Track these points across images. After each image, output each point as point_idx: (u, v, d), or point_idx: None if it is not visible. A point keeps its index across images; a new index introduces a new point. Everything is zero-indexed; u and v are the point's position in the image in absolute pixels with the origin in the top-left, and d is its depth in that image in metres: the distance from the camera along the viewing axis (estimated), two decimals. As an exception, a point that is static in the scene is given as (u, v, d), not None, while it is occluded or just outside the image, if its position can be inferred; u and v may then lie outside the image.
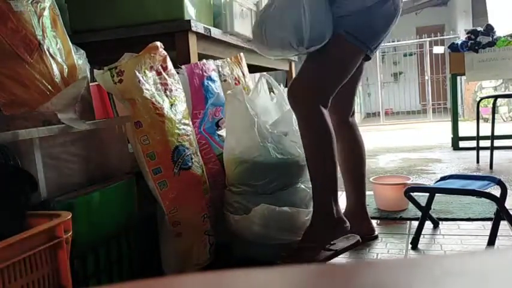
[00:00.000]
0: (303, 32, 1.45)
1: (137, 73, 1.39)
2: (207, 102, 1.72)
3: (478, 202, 2.09)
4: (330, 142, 1.51)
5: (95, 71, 1.43)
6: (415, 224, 1.92)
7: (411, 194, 1.75)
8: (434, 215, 1.99)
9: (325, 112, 1.51)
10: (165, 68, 1.51)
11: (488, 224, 1.83)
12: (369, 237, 1.75)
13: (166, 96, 1.47)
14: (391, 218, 2.01)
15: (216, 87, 1.78)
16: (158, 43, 1.50)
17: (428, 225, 1.90)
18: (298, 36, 1.46)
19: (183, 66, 1.68)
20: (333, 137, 1.51)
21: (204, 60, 1.76)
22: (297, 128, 1.77)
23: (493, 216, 1.90)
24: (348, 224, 1.55)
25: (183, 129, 1.49)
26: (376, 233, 1.79)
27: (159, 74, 1.48)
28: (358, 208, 1.78)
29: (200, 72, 1.71)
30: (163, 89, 1.47)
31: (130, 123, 1.39)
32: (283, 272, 0.22)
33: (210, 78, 1.75)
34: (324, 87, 1.53)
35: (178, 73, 1.58)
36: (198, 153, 1.57)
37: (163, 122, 1.41)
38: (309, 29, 1.45)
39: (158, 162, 1.40)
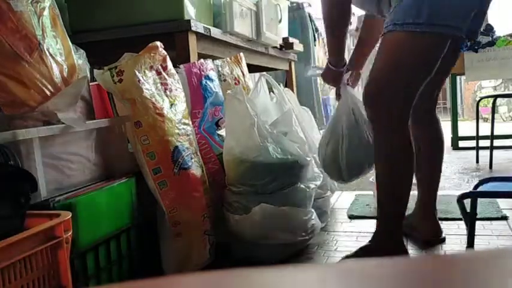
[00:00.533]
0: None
1: (137, 73, 1.39)
2: (206, 101, 1.72)
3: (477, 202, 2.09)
4: (411, 163, 1.39)
5: (95, 70, 1.43)
6: (415, 223, 1.92)
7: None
8: (434, 215, 1.99)
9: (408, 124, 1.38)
10: (165, 68, 1.51)
11: (488, 224, 1.83)
12: (433, 240, 1.65)
13: (166, 96, 1.47)
14: (391, 218, 2.01)
15: (215, 86, 1.77)
16: (158, 43, 1.50)
17: (428, 225, 1.90)
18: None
19: (181, 66, 1.68)
20: (414, 157, 1.39)
21: (202, 60, 1.76)
22: (297, 128, 1.77)
23: (492, 216, 1.90)
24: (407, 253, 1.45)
25: (183, 129, 1.49)
26: (444, 235, 1.67)
27: (159, 73, 1.48)
28: (425, 207, 1.66)
29: (198, 71, 1.71)
30: (163, 88, 1.47)
31: (130, 123, 1.39)
32: (283, 272, 0.22)
33: (208, 78, 1.75)
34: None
35: (177, 72, 1.58)
36: (198, 153, 1.57)
37: (163, 122, 1.41)
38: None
39: (158, 162, 1.40)
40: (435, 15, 1.29)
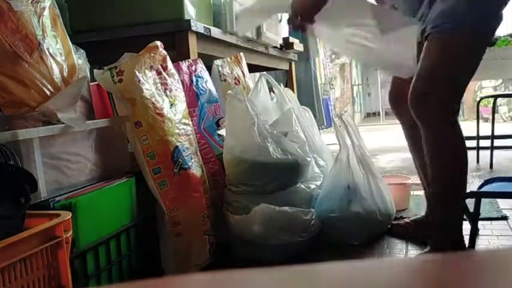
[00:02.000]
0: None
1: (137, 73, 1.39)
2: (199, 99, 1.72)
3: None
4: (467, 160, 1.40)
5: (95, 70, 1.43)
6: (415, 223, 1.92)
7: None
8: (434, 215, 1.99)
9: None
10: (165, 68, 1.51)
11: (488, 224, 1.83)
12: None
13: (166, 96, 1.47)
14: (391, 218, 2.00)
15: (206, 84, 1.77)
16: (158, 43, 1.50)
17: (428, 225, 1.90)
18: None
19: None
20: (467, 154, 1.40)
21: (191, 60, 1.75)
22: (297, 128, 1.77)
23: (492, 216, 1.90)
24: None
25: (183, 129, 1.49)
26: None
27: (159, 73, 1.48)
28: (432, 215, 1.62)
29: (188, 70, 1.71)
30: (163, 88, 1.47)
31: (130, 123, 1.39)
32: (283, 272, 0.22)
33: (198, 76, 1.75)
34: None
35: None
36: (198, 153, 1.57)
37: (163, 122, 1.41)
38: None
39: (158, 162, 1.40)
40: (482, 18, 1.34)
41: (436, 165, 1.43)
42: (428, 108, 1.39)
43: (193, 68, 1.73)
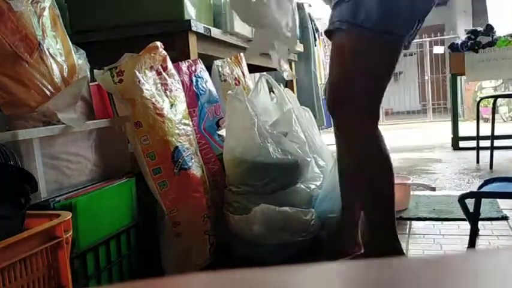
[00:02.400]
0: None
1: (137, 73, 1.39)
2: (199, 99, 1.72)
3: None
4: (387, 169, 1.33)
5: (95, 71, 1.43)
6: (415, 223, 1.93)
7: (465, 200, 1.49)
8: (434, 215, 1.99)
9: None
10: (165, 68, 1.51)
11: (488, 224, 1.83)
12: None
13: (167, 96, 1.47)
14: (391, 218, 2.00)
15: (206, 84, 1.77)
16: (158, 43, 1.50)
17: (428, 225, 1.90)
18: None
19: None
20: (389, 162, 1.33)
21: (190, 60, 1.75)
22: (297, 128, 1.77)
23: (492, 216, 1.90)
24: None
25: (183, 129, 1.49)
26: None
27: (159, 74, 1.48)
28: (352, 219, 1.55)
29: (188, 70, 1.71)
30: (163, 89, 1.47)
31: (130, 124, 1.39)
32: (284, 272, 0.22)
33: (198, 76, 1.75)
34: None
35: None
36: (198, 153, 1.57)
37: (163, 122, 1.41)
38: None
39: (158, 162, 1.40)
40: (385, 22, 1.24)
41: (355, 178, 1.39)
42: (340, 120, 1.34)
43: (193, 68, 1.73)
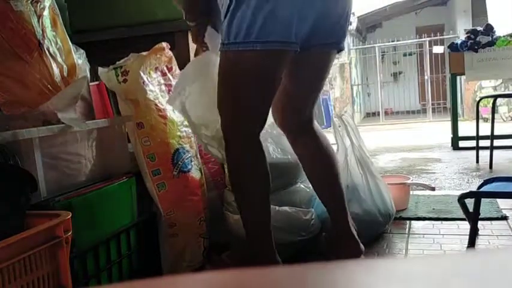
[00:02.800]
0: None
1: (142, 74, 1.39)
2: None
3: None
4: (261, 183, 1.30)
5: (99, 68, 1.43)
6: (415, 223, 1.93)
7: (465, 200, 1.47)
8: (434, 215, 1.99)
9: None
10: (170, 69, 1.50)
11: (488, 224, 1.83)
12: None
13: (168, 97, 1.47)
14: (391, 218, 2.01)
15: None
16: (164, 44, 1.49)
17: (427, 224, 1.90)
18: None
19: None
20: (264, 176, 1.30)
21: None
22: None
23: (492, 216, 1.90)
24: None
25: (185, 131, 1.49)
26: (363, 252, 1.48)
27: (164, 75, 1.48)
28: (340, 227, 1.46)
29: None
30: (167, 90, 1.47)
31: (132, 123, 1.39)
32: (283, 272, 0.22)
33: None
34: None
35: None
36: (198, 156, 1.57)
37: (165, 124, 1.41)
38: None
39: (158, 164, 1.39)
40: (257, 31, 1.17)
41: (234, 190, 1.37)
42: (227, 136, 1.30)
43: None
